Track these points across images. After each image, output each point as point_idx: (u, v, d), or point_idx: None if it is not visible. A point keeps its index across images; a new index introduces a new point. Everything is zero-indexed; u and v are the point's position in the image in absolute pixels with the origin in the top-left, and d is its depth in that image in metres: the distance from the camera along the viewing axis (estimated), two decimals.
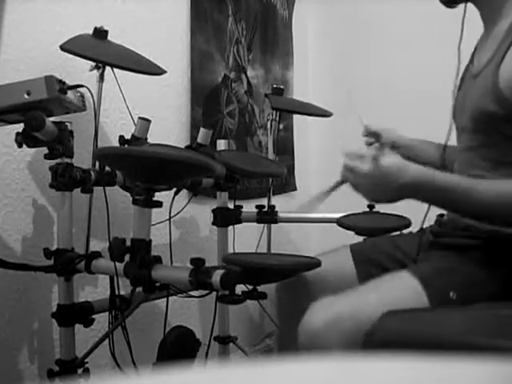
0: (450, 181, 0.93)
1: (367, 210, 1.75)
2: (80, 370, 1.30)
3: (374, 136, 1.33)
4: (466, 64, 1.19)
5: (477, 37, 1.16)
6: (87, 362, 1.32)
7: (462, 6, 1.14)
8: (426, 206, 1.05)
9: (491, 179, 0.98)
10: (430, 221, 1.20)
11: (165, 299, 1.40)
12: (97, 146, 1.36)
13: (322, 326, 0.88)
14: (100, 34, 1.37)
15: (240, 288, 1.11)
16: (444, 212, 1.18)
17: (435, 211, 1.18)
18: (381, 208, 1.74)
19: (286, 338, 1.28)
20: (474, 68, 1.11)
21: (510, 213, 0.91)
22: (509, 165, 1.01)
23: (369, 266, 1.19)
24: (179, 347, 1.53)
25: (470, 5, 1.13)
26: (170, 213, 1.49)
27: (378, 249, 1.22)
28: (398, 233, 1.44)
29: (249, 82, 2.30)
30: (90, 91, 1.29)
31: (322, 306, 0.92)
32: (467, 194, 0.91)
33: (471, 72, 1.12)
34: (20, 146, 1.20)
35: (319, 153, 2.74)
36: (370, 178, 0.94)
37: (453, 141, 1.20)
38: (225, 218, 1.81)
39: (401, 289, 0.95)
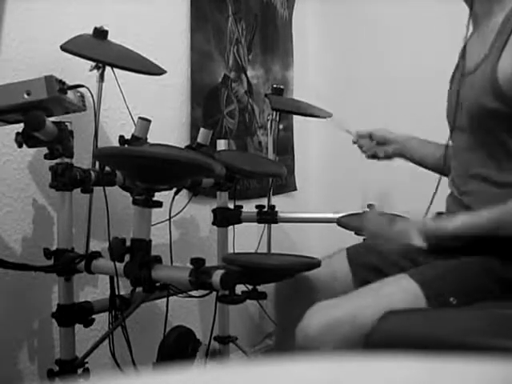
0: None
1: (367, 210, 1.75)
2: (80, 370, 1.30)
3: (365, 137, 1.35)
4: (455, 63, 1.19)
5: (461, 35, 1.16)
6: (87, 362, 1.32)
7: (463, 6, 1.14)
8: (424, 206, 1.06)
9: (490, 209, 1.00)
10: None
11: (165, 299, 1.40)
12: (97, 146, 1.36)
13: (319, 331, 0.88)
14: (100, 33, 1.37)
15: (240, 288, 1.10)
16: (442, 210, 1.18)
17: (433, 212, 1.18)
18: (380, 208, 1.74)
19: (284, 339, 1.28)
20: (467, 66, 1.11)
21: None
22: None
23: (365, 268, 1.18)
24: (179, 347, 1.53)
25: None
26: (169, 213, 1.49)
27: (374, 250, 1.22)
28: None
29: (249, 82, 2.30)
30: (90, 91, 1.29)
31: (319, 310, 0.92)
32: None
33: (463, 70, 1.12)
34: (20, 145, 1.20)
35: (319, 153, 2.74)
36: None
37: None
38: (225, 218, 1.81)
39: (399, 293, 0.93)
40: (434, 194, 1.14)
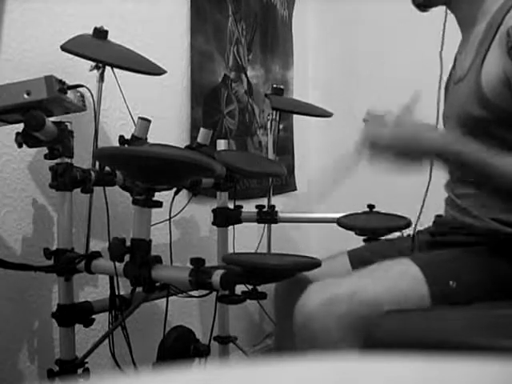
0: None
1: (367, 209, 1.75)
2: (80, 370, 1.30)
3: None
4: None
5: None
6: (87, 362, 1.32)
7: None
8: (424, 208, 1.06)
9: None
10: (430, 221, 1.21)
11: (165, 299, 1.40)
12: (97, 146, 1.36)
13: (318, 307, 0.88)
14: (100, 34, 1.37)
15: (240, 288, 1.11)
16: (442, 213, 1.18)
17: (433, 211, 1.19)
18: (381, 208, 1.74)
19: (284, 339, 1.28)
20: (457, 74, 1.11)
21: None
22: None
23: None
24: (179, 347, 1.53)
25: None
26: (170, 213, 1.49)
27: (376, 253, 1.22)
28: (396, 236, 1.43)
29: (249, 82, 2.30)
30: (90, 91, 1.29)
31: (319, 287, 0.92)
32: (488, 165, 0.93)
33: (454, 78, 1.13)
34: (20, 146, 1.20)
35: (319, 153, 2.74)
36: (399, 139, 0.96)
37: None
38: (225, 218, 1.81)
39: (400, 274, 0.94)
40: (425, 195, 1.15)
